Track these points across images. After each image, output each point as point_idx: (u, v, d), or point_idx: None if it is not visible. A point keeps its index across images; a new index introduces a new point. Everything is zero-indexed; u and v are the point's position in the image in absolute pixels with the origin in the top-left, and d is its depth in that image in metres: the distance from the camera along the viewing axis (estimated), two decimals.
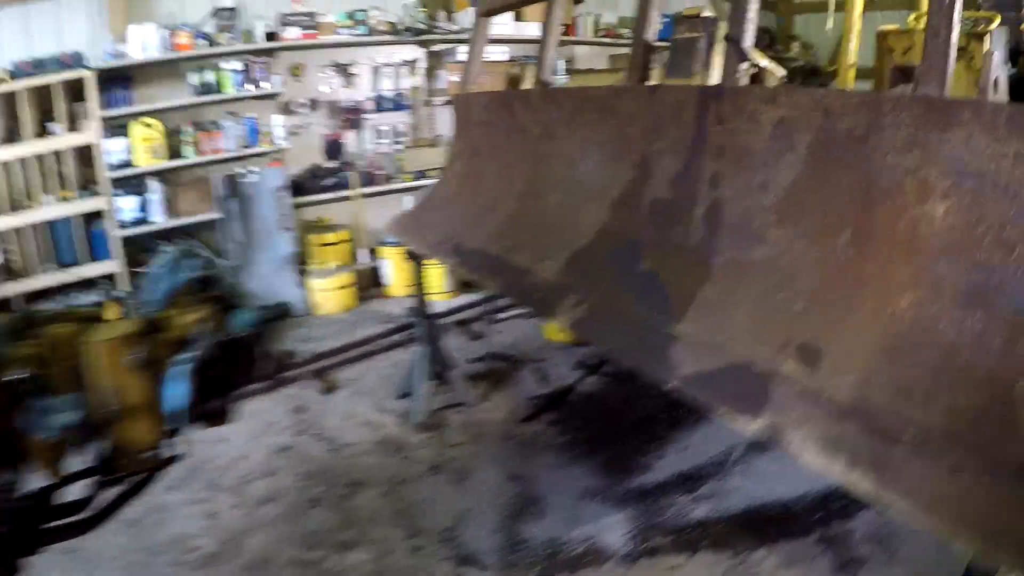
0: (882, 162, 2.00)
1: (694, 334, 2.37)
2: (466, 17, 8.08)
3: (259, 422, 5.17)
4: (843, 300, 2.09)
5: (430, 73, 8.59)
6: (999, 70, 3.14)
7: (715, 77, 3.68)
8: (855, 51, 5.28)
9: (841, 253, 2.12)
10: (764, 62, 3.37)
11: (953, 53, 1.91)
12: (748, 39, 2.61)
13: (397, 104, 8.50)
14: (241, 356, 2.29)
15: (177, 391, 2.11)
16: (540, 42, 3.99)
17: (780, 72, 3.57)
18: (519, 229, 3.57)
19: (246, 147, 7.69)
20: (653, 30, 3.20)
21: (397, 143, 8.56)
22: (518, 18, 8.38)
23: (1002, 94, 3.36)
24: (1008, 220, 1.69)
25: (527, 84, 4.38)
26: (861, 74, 5.42)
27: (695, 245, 2.54)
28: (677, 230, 2.62)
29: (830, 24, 5.80)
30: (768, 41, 9.91)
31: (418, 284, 5.05)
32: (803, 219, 2.23)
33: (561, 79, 7.89)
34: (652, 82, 3.31)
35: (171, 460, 2.34)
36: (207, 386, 2.15)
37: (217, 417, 2.29)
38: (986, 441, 1.61)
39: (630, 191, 2.91)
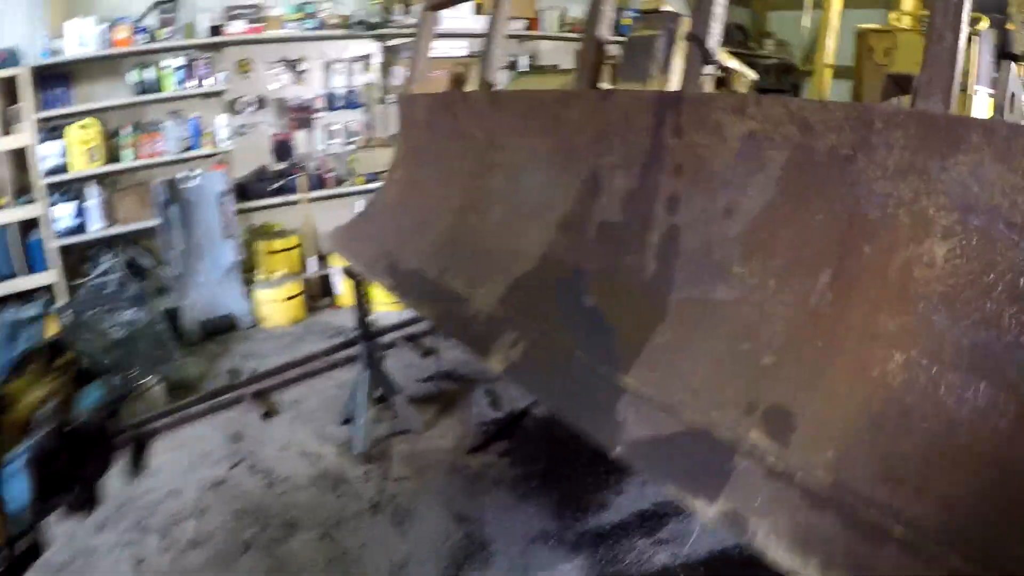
0: (871, 190, 1.66)
1: (644, 389, 2.00)
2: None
3: (193, 452, 4.75)
4: (821, 355, 1.74)
5: (386, 69, 8.14)
6: (1016, 85, 2.70)
7: (675, 82, 3.26)
8: (833, 50, 4.95)
9: (819, 297, 1.77)
10: (732, 64, 2.99)
11: (960, 61, 1.54)
12: (714, 38, 2.24)
13: (350, 102, 8.03)
14: (88, 444, 1.90)
15: (15, 490, 1.72)
16: (486, 37, 3.57)
17: (750, 75, 3.18)
18: (458, 248, 3.17)
19: (188, 149, 7.20)
20: (607, 25, 2.80)
21: (350, 143, 8.10)
22: (479, 11, 7.97)
23: (1019, 114, 2.95)
24: None
25: (471, 84, 4.01)
26: (839, 73, 5.10)
27: (647, 279, 2.16)
28: (628, 260, 2.24)
29: (807, 22, 5.46)
30: (741, 38, 9.59)
31: (359, 302, 4.63)
32: (774, 254, 1.87)
33: (512, 79, 7.41)
34: (604, 86, 2.92)
35: (34, 553, 1.93)
36: (51, 480, 1.76)
37: (77, 507, 1.90)
38: (993, 544, 1.33)
39: (577, 211, 2.52)
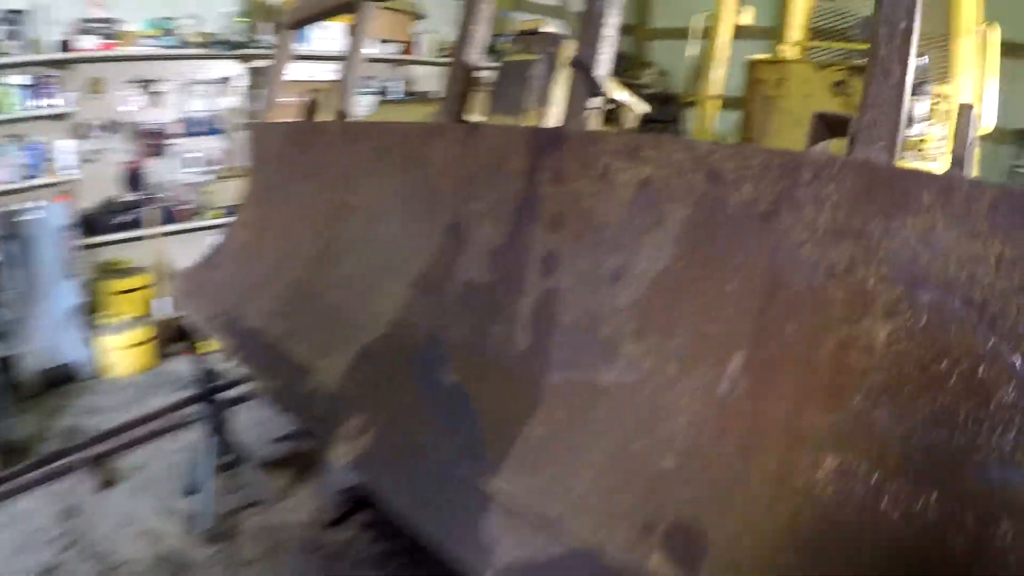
0: (796, 255, 1.35)
1: (517, 496, 1.59)
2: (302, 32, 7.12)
3: (21, 531, 4.08)
4: (734, 459, 1.41)
5: (251, 92, 7.53)
6: (972, 128, 2.38)
7: (555, 116, 2.89)
8: (720, 81, 4.79)
9: (731, 386, 1.43)
10: (622, 95, 2.67)
11: (907, 102, 1.23)
12: (603, 65, 1.89)
13: (210, 128, 7.37)
14: None
15: None
16: (343, 62, 3.14)
17: (641, 108, 2.86)
18: (304, 306, 2.69)
19: (30, 177, 6.37)
20: (477, 49, 2.43)
21: (209, 173, 7.43)
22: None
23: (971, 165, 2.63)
24: (985, 353, 1.19)
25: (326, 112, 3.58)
26: (725, 104, 4.94)
27: (519, 354, 1.77)
28: (496, 329, 1.84)
29: (693, 51, 5.29)
30: (622, 66, 9.51)
31: (199, 360, 4.06)
32: (675, 330, 1.51)
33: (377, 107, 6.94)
34: (474, 118, 2.54)
35: None
36: None
37: None
38: None
39: (438, 267, 2.11)
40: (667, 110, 8.57)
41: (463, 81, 2.39)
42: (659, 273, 1.52)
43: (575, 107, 1.89)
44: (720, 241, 1.44)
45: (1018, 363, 1.20)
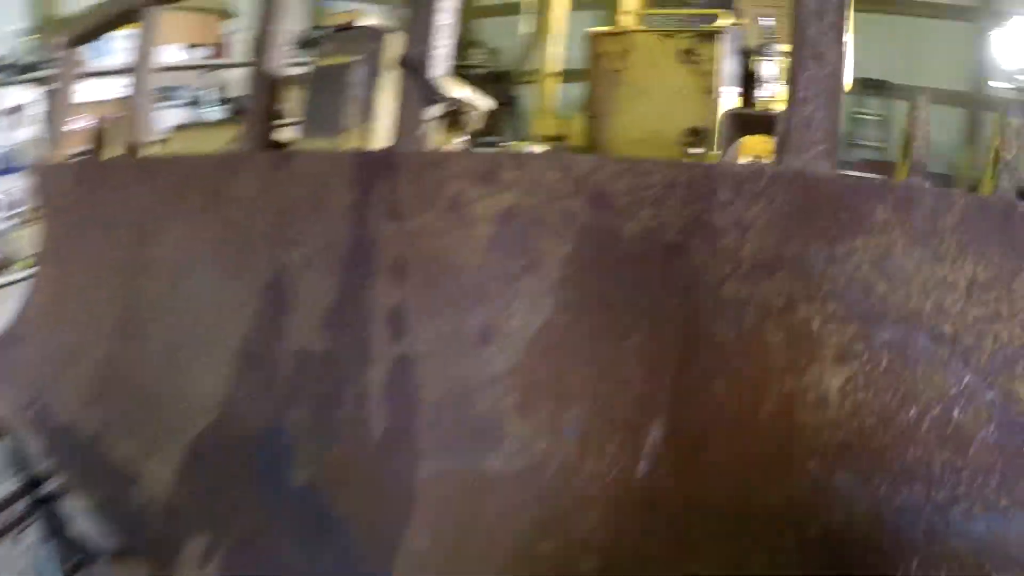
0: (717, 296, 1.02)
1: None
2: (99, 44, 6.24)
3: None
4: (670, 555, 1.10)
5: (52, 120, 6.62)
6: (926, 127, 1.91)
7: (384, 133, 2.25)
8: (557, 57, 4.52)
9: (651, 464, 1.11)
10: (462, 93, 2.28)
11: (842, 95, 0.95)
12: (439, 61, 1.53)
13: (7, 166, 6.43)
14: None
15: None
16: (131, 83, 2.61)
17: (485, 105, 2.47)
18: (117, 390, 2.19)
19: None
20: (282, 53, 2.00)
21: (12, 217, 6.50)
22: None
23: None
24: (959, 394, 0.99)
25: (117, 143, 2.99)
26: (567, 77, 4.68)
27: (379, 442, 1.38)
28: (344, 412, 1.46)
29: (526, 27, 4.98)
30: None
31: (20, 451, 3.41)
32: (570, 401, 1.18)
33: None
34: (286, 137, 2.11)
35: None
36: None
37: None
38: None
39: (262, 333, 1.68)
40: (501, 91, 8.26)
41: (267, 95, 1.96)
42: (539, 329, 1.18)
43: (408, 120, 1.50)
44: (615, 284, 1.12)
45: (997, 400, 0.97)
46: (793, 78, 1.00)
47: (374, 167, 1.47)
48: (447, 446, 1.30)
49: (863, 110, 8.09)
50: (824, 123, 0.96)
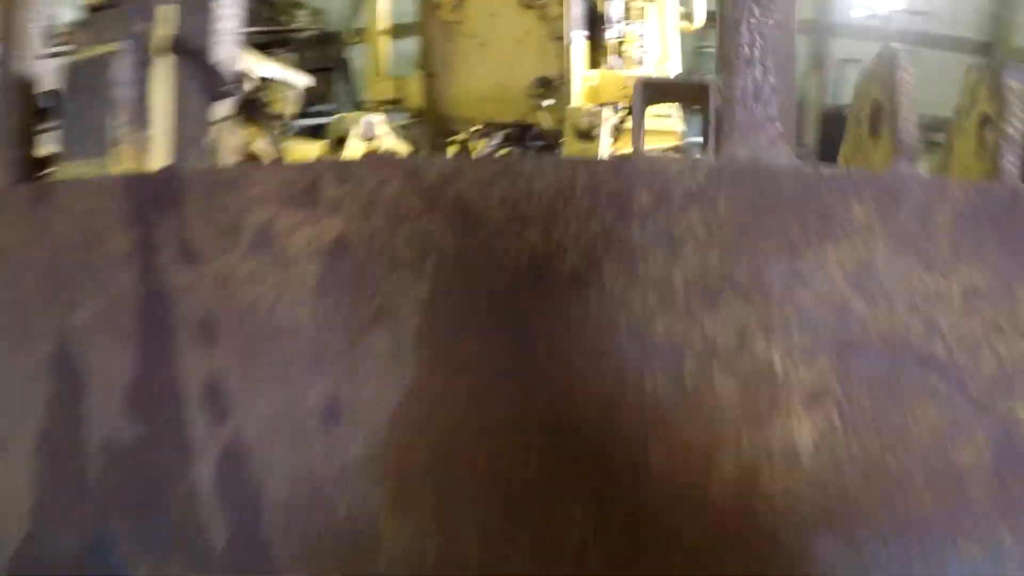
0: (643, 338, 0.77)
1: None
2: None
3: None
4: None
5: None
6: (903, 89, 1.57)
7: (162, 145, 1.73)
8: (388, 11, 4.13)
9: (578, 564, 0.81)
10: (269, 70, 1.87)
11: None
12: (225, 39, 1.16)
13: None
14: None
15: None
16: None
17: (301, 83, 2.07)
18: None
19: None
20: (30, 54, 1.56)
21: None
22: None
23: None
24: (958, 429, 0.81)
25: None
26: (397, 32, 4.30)
27: (223, 560, 1.05)
28: (174, 519, 1.11)
29: None
30: (268, 14, 8.39)
31: None
32: (460, 488, 0.88)
33: None
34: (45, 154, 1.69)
35: None
36: None
37: None
38: None
39: (59, 423, 1.30)
40: (329, 53, 7.73)
41: (21, 108, 1.53)
42: (404, 398, 0.86)
43: (189, 125, 1.14)
44: (497, 332, 0.81)
45: (997, 426, 0.80)
46: (726, 33, 0.70)
47: (153, 195, 1.10)
48: (309, 558, 0.98)
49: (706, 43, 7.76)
50: (777, 94, 0.67)
